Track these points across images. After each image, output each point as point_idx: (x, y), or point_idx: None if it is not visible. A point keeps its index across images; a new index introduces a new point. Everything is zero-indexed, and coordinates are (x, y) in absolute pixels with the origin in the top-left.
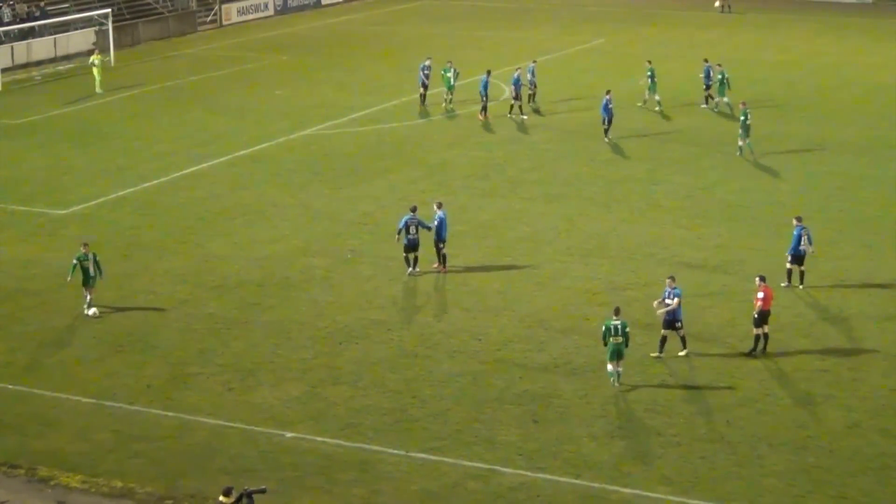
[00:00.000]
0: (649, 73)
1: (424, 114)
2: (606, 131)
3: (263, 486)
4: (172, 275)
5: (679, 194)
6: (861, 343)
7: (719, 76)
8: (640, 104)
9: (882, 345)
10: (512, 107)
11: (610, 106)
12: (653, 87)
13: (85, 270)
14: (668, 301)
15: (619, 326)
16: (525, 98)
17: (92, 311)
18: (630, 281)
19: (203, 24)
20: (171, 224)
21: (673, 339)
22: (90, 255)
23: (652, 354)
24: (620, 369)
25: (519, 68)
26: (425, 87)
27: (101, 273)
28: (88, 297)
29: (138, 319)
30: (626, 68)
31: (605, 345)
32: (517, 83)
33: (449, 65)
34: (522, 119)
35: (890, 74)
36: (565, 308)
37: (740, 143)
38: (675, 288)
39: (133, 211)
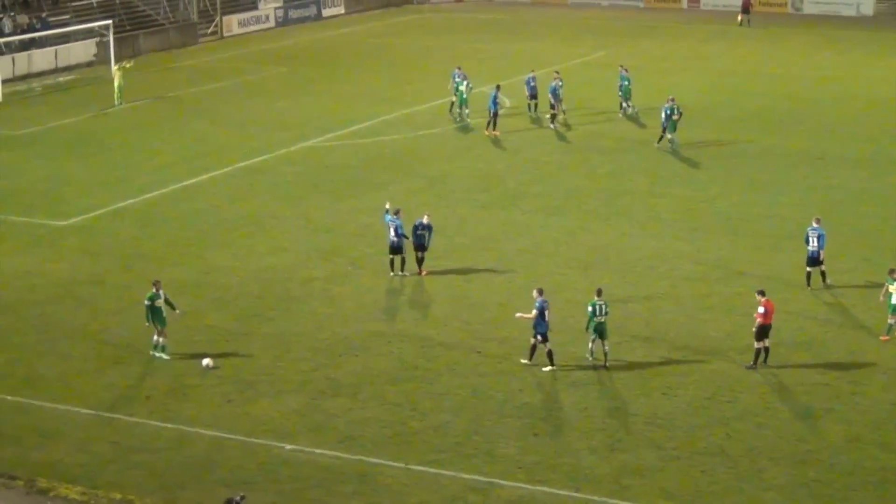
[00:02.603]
0: (626, 80)
1: (446, 122)
2: (671, 140)
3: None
4: (172, 286)
5: (679, 207)
6: (861, 357)
7: (625, 81)
8: (620, 114)
9: (882, 359)
10: (553, 116)
11: (669, 113)
12: (627, 93)
13: (157, 310)
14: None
15: (603, 306)
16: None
17: (161, 354)
18: (630, 294)
19: (204, 35)
20: (172, 235)
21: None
22: (161, 294)
23: (522, 360)
24: (608, 348)
25: (557, 73)
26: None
27: (174, 308)
28: (160, 340)
29: (138, 331)
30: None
31: (588, 325)
32: (554, 91)
33: (458, 70)
34: (554, 127)
35: (890, 88)
36: (565, 321)
37: (669, 136)
38: (541, 299)
39: (133, 222)
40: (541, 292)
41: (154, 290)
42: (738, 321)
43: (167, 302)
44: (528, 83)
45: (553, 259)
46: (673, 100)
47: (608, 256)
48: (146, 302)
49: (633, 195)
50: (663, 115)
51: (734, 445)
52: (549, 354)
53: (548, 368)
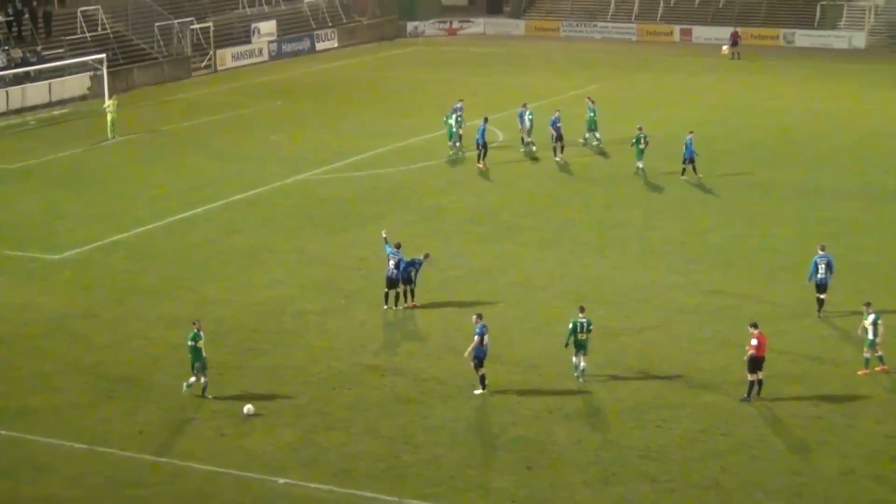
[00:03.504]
0: (592, 112)
1: (439, 155)
2: (694, 170)
3: None
4: (166, 320)
5: (673, 240)
6: (855, 389)
7: (591, 113)
8: (581, 141)
9: (876, 391)
10: (555, 149)
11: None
12: (592, 124)
13: (198, 351)
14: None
15: (585, 323)
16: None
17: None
18: (624, 326)
19: (197, 69)
20: (166, 269)
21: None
22: (202, 334)
23: (476, 391)
24: (584, 364)
25: (558, 110)
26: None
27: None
28: (202, 380)
29: (132, 364)
30: (621, 113)
31: (568, 340)
32: (554, 124)
33: (452, 111)
34: (558, 160)
35: (882, 120)
36: (559, 353)
37: (639, 164)
38: (481, 324)
39: (127, 255)
40: (480, 317)
41: (195, 329)
42: (732, 354)
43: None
44: (520, 116)
45: (547, 291)
46: (641, 128)
47: (602, 289)
48: (189, 342)
49: (627, 227)
50: (685, 147)
51: (729, 478)
52: (482, 378)
53: (478, 392)
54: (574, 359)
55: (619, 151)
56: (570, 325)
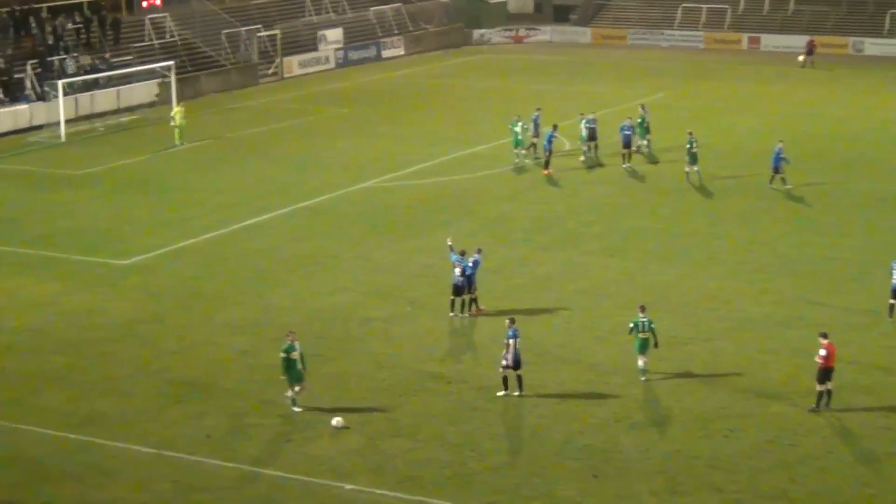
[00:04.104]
0: (640, 119)
1: (505, 163)
2: (782, 180)
3: None
4: (232, 326)
5: (740, 248)
6: None
7: (639, 119)
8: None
9: None
10: (624, 156)
11: (781, 155)
12: (642, 133)
13: (292, 362)
14: (506, 342)
15: (646, 323)
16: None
17: (335, 421)
18: (690, 335)
19: (265, 76)
20: (232, 275)
21: (512, 378)
22: (296, 345)
23: (499, 393)
24: (643, 363)
25: (629, 118)
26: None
27: (304, 366)
28: (296, 390)
29: (199, 370)
30: (687, 122)
31: (631, 333)
32: (623, 131)
33: (517, 119)
34: (628, 167)
35: None
36: (625, 362)
37: (686, 169)
38: (513, 328)
39: (194, 262)
40: (513, 321)
41: (289, 341)
42: (800, 364)
43: (301, 357)
44: (584, 124)
45: (612, 300)
46: (691, 133)
47: (668, 297)
48: (282, 354)
49: (692, 236)
50: (773, 155)
51: (797, 489)
52: (519, 379)
53: (501, 393)
54: (639, 361)
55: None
56: (631, 325)
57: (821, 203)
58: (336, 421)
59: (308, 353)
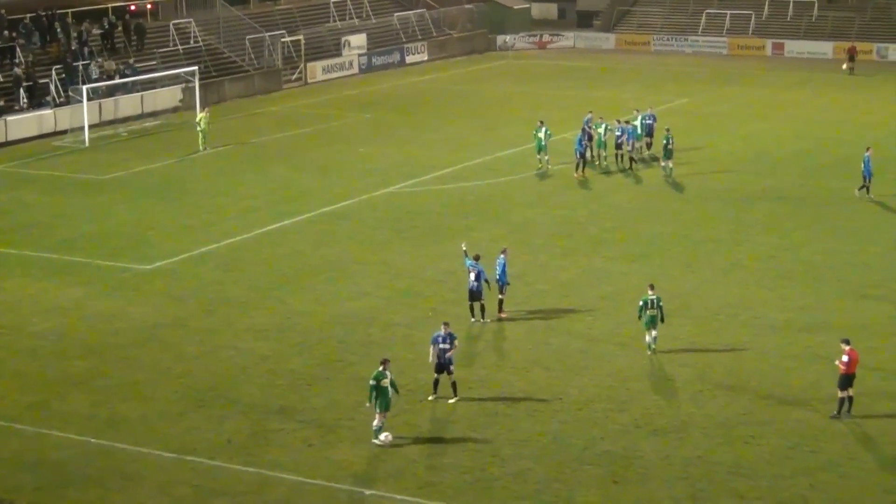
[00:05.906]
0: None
1: (528, 168)
2: (867, 189)
3: None
4: (255, 331)
5: (763, 254)
6: None
7: (636, 123)
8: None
9: None
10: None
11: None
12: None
13: (383, 390)
14: (442, 346)
15: (655, 300)
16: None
17: (383, 437)
18: (713, 342)
19: (288, 81)
20: (255, 280)
21: (445, 383)
22: (388, 373)
23: (429, 398)
24: (652, 336)
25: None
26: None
27: (397, 392)
28: (380, 421)
29: (220, 374)
30: (711, 128)
31: (640, 317)
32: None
33: (540, 124)
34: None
35: None
36: (646, 368)
37: (662, 163)
38: (450, 332)
39: (217, 266)
40: (447, 325)
41: (381, 368)
42: (822, 370)
43: (392, 384)
44: (641, 119)
45: (634, 306)
46: (668, 130)
47: (690, 304)
48: (371, 381)
49: (715, 242)
50: (863, 164)
51: (818, 496)
52: (435, 384)
53: (431, 398)
54: (646, 336)
55: (710, 168)
56: (641, 303)
57: (845, 209)
58: (385, 436)
59: (330, 357)
